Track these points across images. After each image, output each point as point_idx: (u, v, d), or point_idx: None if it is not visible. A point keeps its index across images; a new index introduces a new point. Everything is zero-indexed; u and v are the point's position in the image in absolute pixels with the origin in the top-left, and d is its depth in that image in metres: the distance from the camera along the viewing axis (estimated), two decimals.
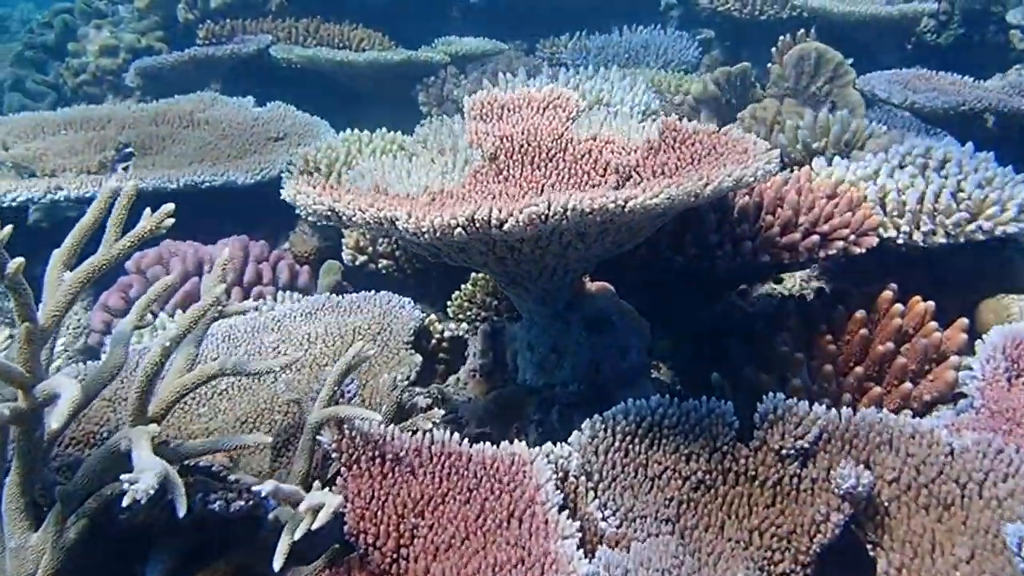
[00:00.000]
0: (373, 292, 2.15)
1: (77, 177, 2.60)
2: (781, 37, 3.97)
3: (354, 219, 1.33)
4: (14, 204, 2.46)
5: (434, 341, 2.20)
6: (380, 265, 2.31)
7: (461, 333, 2.23)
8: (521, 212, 1.27)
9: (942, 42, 4.00)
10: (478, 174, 1.74)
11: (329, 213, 1.36)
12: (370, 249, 2.30)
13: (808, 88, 3.04)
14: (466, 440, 1.39)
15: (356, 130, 3.68)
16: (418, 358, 1.98)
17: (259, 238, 2.85)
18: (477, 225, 1.27)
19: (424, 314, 2.18)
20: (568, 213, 1.28)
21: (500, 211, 1.27)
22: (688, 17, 5.04)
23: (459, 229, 1.28)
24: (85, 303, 2.63)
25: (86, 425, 1.71)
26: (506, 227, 1.28)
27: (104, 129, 3.14)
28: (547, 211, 1.27)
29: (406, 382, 1.86)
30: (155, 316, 2.28)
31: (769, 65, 4.27)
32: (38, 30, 4.35)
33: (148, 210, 1.29)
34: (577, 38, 4.66)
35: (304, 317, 2.07)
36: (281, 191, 2.86)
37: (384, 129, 2.98)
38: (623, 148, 1.74)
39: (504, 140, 1.76)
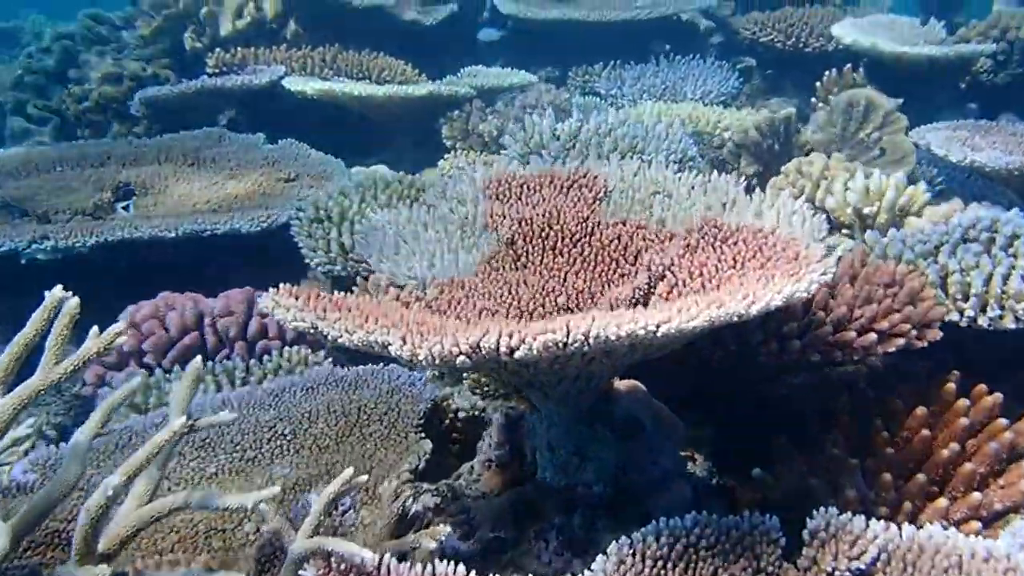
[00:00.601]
0: (382, 365, 1.95)
1: (67, 225, 2.41)
2: (827, 73, 3.74)
3: (340, 340, 1.12)
4: None
5: (448, 420, 1.99)
6: None
7: (478, 412, 2.02)
8: (535, 340, 1.06)
9: (999, 81, 3.76)
10: (494, 260, 1.53)
11: (312, 331, 1.16)
12: None
13: (856, 135, 2.81)
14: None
15: (374, 166, 3.51)
16: (428, 445, 1.77)
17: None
18: (484, 353, 1.06)
19: (437, 389, 1.97)
20: (591, 341, 1.06)
21: (511, 337, 1.06)
22: (728, 44, 4.82)
23: (462, 358, 1.07)
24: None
25: (51, 523, 1.52)
26: (517, 355, 1.07)
27: (104, 166, 2.96)
28: (565, 339, 1.06)
29: (411, 475, 1.66)
30: (151, 372, 2.10)
31: (812, 99, 4.04)
32: (37, 55, 4.18)
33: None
34: (612, 67, 4.44)
35: (305, 392, 1.87)
36: (292, 236, 2.70)
37: (402, 172, 2.79)
38: (656, 236, 1.52)
39: (523, 224, 1.55)
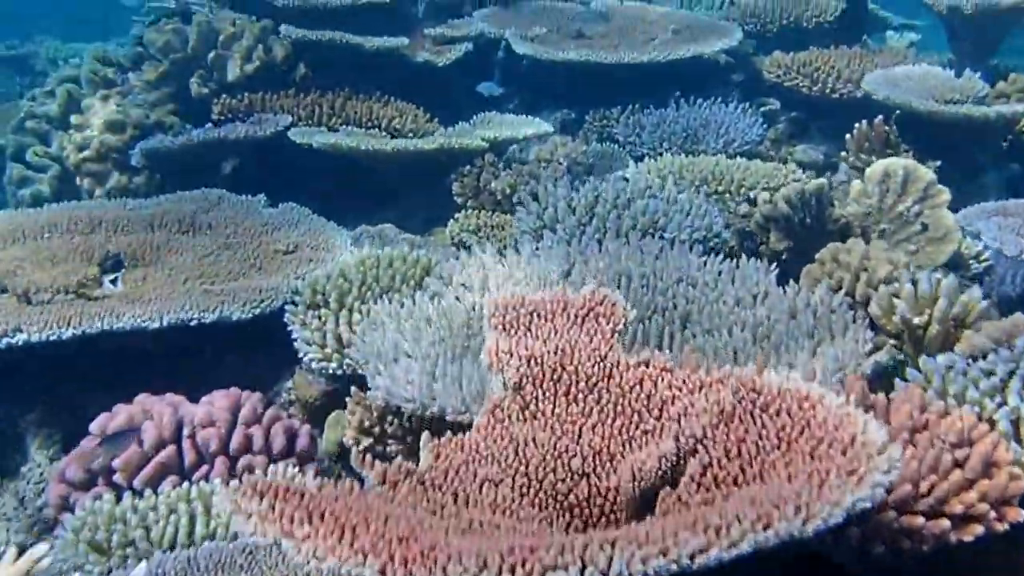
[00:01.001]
0: None
1: (44, 312, 2.25)
2: (857, 125, 3.54)
3: (309, 569, 0.95)
4: None
5: None
6: (389, 449, 1.92)
7: None
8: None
9: None
10: (498, 410, 1.35)
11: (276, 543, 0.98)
12: (376, 429, 1.92)
13: (894, 208, 2.61)
14: None
15: (381, 226, 3.34)
16: None
17: (258, 371, 2.50)
18: None
19: None
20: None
21: (512, 570, 0.88)
22: (751, 82, 4.62)
23: None
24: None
25: None
26: None
27: (93, 233, 2.81)
28: None
29: None
30: (120, 495, 1.93)
31: (843, 153, 3.84)
32: (40, 98, 4.05)
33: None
34: (630, 112, 4.26)
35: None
36: (286, 323, 2.54)
37: (407, 248, 2.62)
38: (684, 383, 1.34)
39: (532, 364, 1.38)
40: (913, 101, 3.12)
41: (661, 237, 2.52)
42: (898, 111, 3.43)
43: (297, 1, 4.42)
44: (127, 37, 6.95)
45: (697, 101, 4.24)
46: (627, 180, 2.83)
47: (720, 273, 2.33)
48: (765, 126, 4.10)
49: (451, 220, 3.26)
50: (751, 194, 3.17)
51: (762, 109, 4.36)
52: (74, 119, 3.78)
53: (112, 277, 2.64)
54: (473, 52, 4.53)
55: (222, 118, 3.76)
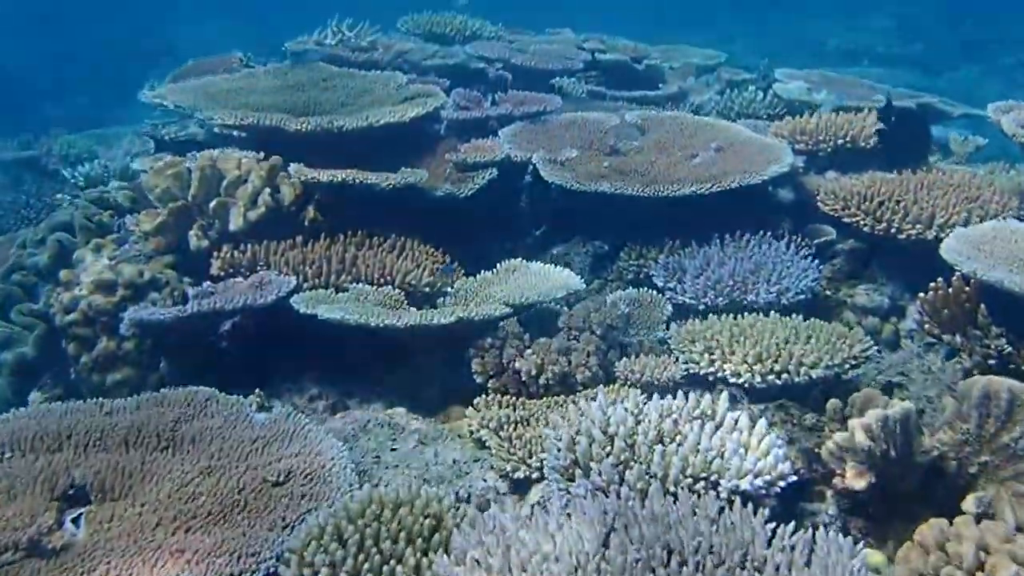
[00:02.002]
0: None
1: None
2: (933, 285, 3.10)
3: None
4: None
5: None
6: None
7: None
8: None
9: None
10: None
11: None
12: None
13: (998, 437, 2.18)
14: None
15: (392, 410, 2.96)
16: None
17: None
18: None
19: None
20: None
21: None
22: (802, 204, 4.21)
23: None
24: None
25: None
26: None
27: (60, 450, 2.46)
28: None
29: None
30: None
31: (917, 316, 3.41)
32: (30, 247, 3.75)
33: None
34: (669, 250, 3.87)
35: None
36: None
37: (413, 486, 2.22)
38: None
39: None
40: (1006, 279, 2.68)
41: (716, 484, 2.11)
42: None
43: (310, 127, 4.14)
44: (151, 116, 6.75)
45: (744, 238, 3.83)
46: (672, 396, 2.42)
47: (793, 548, 1.91)
48: (820, 266, 3.68)
49: (470, 408, 2.88)
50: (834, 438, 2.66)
51: (816, 241, 3.95)
52: (63, 275, 3.47)
53: (75, 514, 2.27)
54: (498, 177, 4.18)
55: (222, 273, 3.43)
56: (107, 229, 3.75)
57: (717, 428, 2.27)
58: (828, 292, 3.75)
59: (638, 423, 2.27)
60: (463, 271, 3.61)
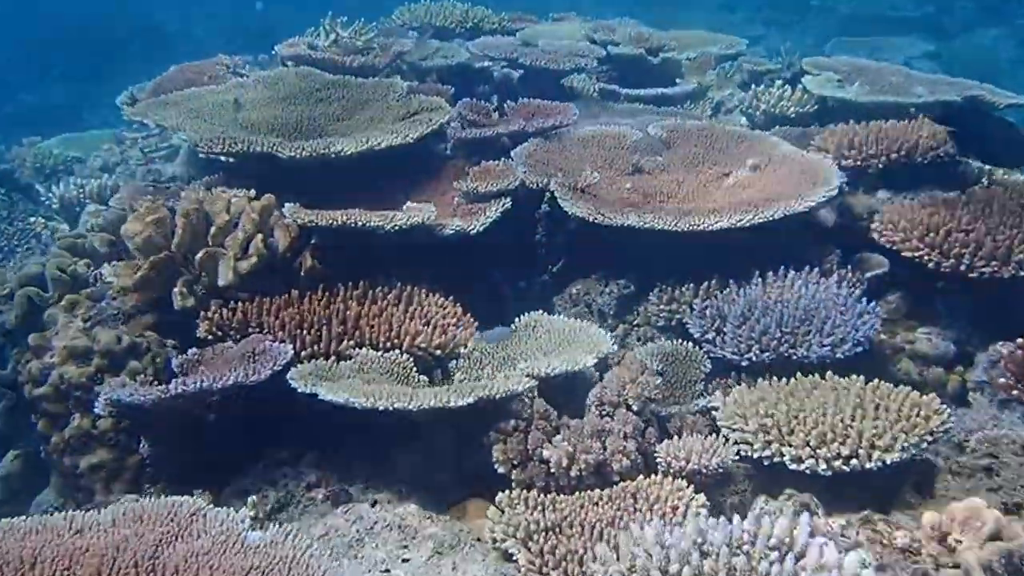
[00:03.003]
0: None
1: None
2: (1018, 346, 2.75)
3: None
4: None
5: None
6: None
7: None
8: None
9: None
10: None
11: None
12: None
13: None
14: None
15: (403, 509, 2.61)
16: None
17: None
18: None
19: None
20: None
21: None
22: (848, 230, 3.83)
23: None
24: None
25: None
26: None
27: None
28: None
29: None
30: None
31: (989, 366, 3.07)
32: None
33: None
34: (706, 291, 3.49)
35: None
36: None
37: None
38: None
39: None
40: None
41: None
42: None
43: (305, 153, 3.75)
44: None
45: (789, 276, 3.45)
46: (732, 523, 2.06)
47: None
48: (877, 309, 3.30)
49: (492, 508, 2.52)
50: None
51: (868, 275, 3.57)
52: (32, 340, 3.11)
53: None
54: (512, 207, 3.79)
55: (209, 335, 3.07)
56: (82, 281, 3.38)
57: (798, 559, 1.92)
58: (883, 335, 3.38)
59: (704, 556, 1.92)
60: (477, 327, 3.24)
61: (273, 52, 5.46)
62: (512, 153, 4.05)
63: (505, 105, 4.65)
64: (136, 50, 14.52)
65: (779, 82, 5.74)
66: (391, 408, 2.56)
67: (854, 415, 2.62)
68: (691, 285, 3.51)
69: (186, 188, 3.83)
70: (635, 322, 3.65)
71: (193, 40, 14.65)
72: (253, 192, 3.48)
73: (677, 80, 6.02)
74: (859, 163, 3.89)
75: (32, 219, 5.71)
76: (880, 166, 3.83)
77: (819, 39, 13.53)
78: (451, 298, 3.40)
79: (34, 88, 14.69)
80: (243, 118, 4.42)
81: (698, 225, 3.44)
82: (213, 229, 3.19)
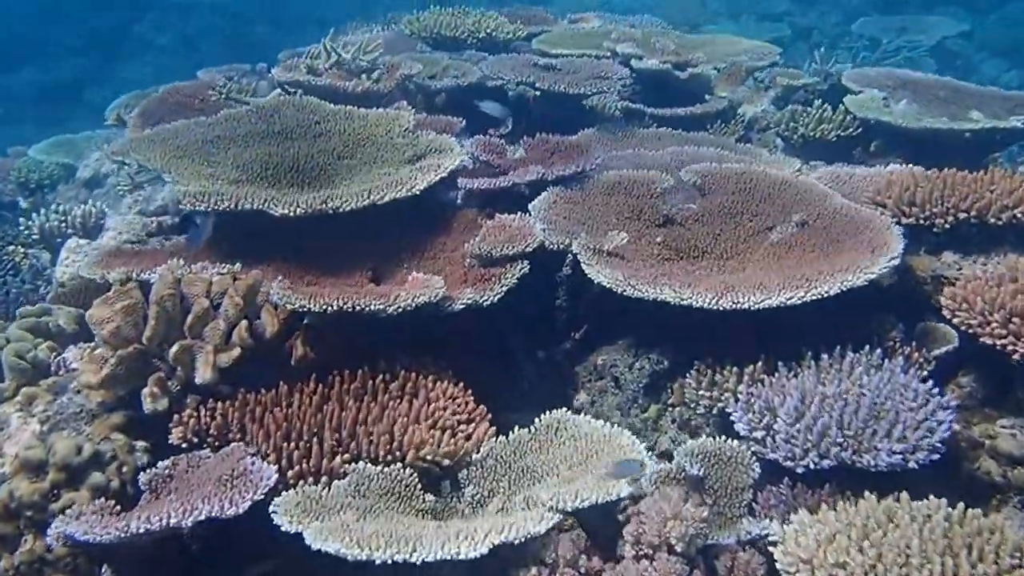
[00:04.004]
0: None
1: None
2: None
3: None
4: None
5: None
6: None
7: None
8: None
9: None
10: None
11: None
12: None
13: None
14: None
15: None
16: None
17: None
18: None
19: None
20: None
21: None
22: (904, 291, 3.40)
23: None
24: None
25: None
26: None
27: None
28: None
29: None
30: None
31: None
32: None
33: None
34: (752, 376, 3.07)
35: None
36: None
37: None
38: None
39: None
40: None
41: None
42: None
43: (299, 211, 3.35)
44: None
45: (847, 359, 3.03)
46: None
47: None
48: (953, 403, 2.87)
49: None
50: None
51: (934, 353, 3.15)
52: None
53: None
54: (530, 267, 3.38)
55: (182, 442, 2.68)
56: (44, 369, 2.99)
57: None
58: (956, 426, 2.95)
59: None
60: (492, 429, 2.84)
61: (269, 75, 5.03)
62: (530, 207, 3.62)
63: (522, 141, 4.22)
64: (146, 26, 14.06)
65: (818, 101, 5.27)
66: (389, 561, 2.16)
67: (953, 559, 2.20)
68: (734, 368, 3.09)
69: (166, 253, 3.44)
70: (669, 401, 3.25)
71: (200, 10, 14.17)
72: (238, 266, 3.08)
73: (707, 96, 5.56)
74: (921, 222, 3.44)
75: (11, 247, 5.33)
76: (947, 226, 3.38)
77: (846, 16, 12.97)
78: (461, 384, 3.00)
79: (37, 62, 14.23)
80: (235, 156, 4.02)
81: (742, 304, 3.01)
82: (190, 318, 2.79)
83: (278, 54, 6.31)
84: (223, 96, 4.79)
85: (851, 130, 5.02)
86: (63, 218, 5.17)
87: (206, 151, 4.07)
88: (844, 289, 3.05)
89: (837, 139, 5.02)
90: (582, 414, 3.26)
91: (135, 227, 4.57)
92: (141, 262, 3.30)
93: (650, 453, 3.10)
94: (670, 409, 3.23)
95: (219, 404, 2.72)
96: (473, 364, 3.35)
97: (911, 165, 4.07)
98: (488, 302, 3.21)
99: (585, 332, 3.48)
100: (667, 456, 3.13)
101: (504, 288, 3.26)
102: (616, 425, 2.92)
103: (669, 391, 3.25)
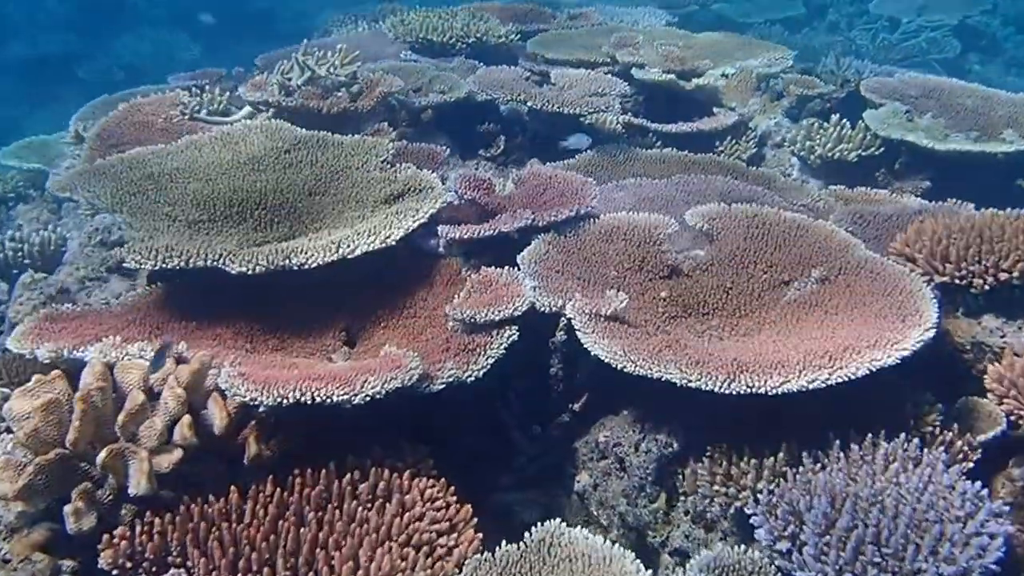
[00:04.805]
0: None
1: None
2: None
3: None
4: None
5: None
6: None
7: None
8: None
9: None
10: None
11: None
12: None
13: None
14: None
15: None
16: None
17: None
18: None
19: None
20: None
21: None
22: (948, 370, 3.03)
23: None
24: None
25: None
26: None
27: None
28: None
29: None
30: None
31: None
32: None
33: None
34: (772, 469, 2.70)
35: None
36: None
37: None
38: None
39: None
40: None
41: None
42: None
43: (259, 269, 2.97)
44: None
45: (880, 452, 2.66)
46: None
47: None
48: (1006, 509, 2.50)
49: None
50: None
51: (980, 439, 2.78)
52: None
53: None
54: (519, 335, 3.00)
55: (115, 571, 2.31)
56: None
57: None
58: (1011, 528, 2.57)
59: None
60: (477, 539, 2.47)
61: (238, 92, 4.60)
62: (519, 259, 3.23)
63: (512, 175, 3.82)
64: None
65: (835, 116, 4.85)
66: None
67: None
68: (752, 460, 2.71)
69: (114, 315, 3.05)
70: (681, 489, 2.89)
71: None
72: (183, 346, 2.69)
73: (715, 109, 5.14)
74: (957, 280, 3.05)
75: None
76: (986, 287, 2.99)
77: None
78: (443, 481, 2.63)
79: (24, 35, 13.64)
80: (195, 192, 3.63)
81: (758, 387, 2.63)
82: (122, 415, 2.41)
83: (255, 59, 5.88)
84: (189, 116, 4.37)
85: (872, 149, 4.62)
86: (19, 246, 4.76)
87: (164, 186, 3.68)
88: (873, 370, 2.67)
89: (858, 159, 4.61)
90: (584, 499, 2.93)
91: (94, 261, 4.17)
92: (80, 331, 2.91)
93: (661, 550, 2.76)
94: (682, 498, 2.86)
95: (157, 519, 2.34)
96: (460, 442, 3.00)
97: (937, 203, 3.68)
98: (472, 377, 2.84)
99: (585, 403, 3.10)
100: (680, 554, 2.78)
101: (490, 360, 2.89)
102: (620, 529, 2.56)
103: (680, 476, 2.88)
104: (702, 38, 6.01)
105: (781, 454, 2.71)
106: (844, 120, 4.76)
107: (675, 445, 2.89)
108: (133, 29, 13.97)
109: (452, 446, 2.92)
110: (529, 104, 4.38)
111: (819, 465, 2.67)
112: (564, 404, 3.13)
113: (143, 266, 3.01)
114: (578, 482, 3.04)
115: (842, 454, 2.67)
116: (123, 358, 2.59)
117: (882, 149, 4.61)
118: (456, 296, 3.13)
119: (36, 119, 11.25)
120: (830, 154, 4.60)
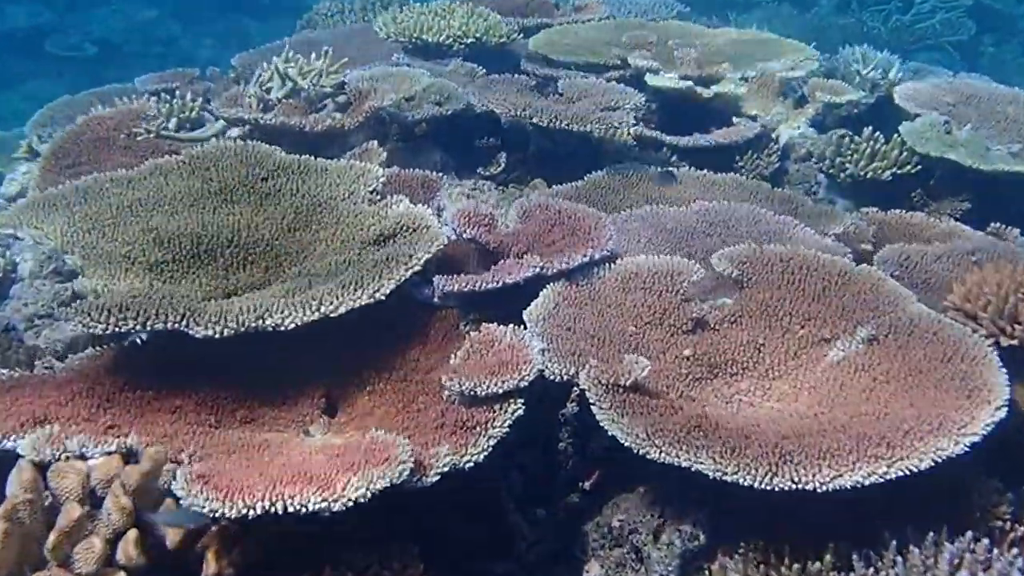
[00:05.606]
0: None
1: None
2: None
3: None
4: None
5: None
6: None
7: None
8: None
9: None
10: None
11: None
12: None
13: None
14: None
15: None
16: None
17: None
18: None
19: None
20: None
21: None
22: (1008, 449, 2.65)
23: None
24: None
25: None
26: None
27: None
28: None
29: None
30: None
31: None
32: None
33: None
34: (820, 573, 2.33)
35: None
36: None
37: None
38: None
39: None
40: None
41: None
42: None
43: (228, 332, 2.59)
44: None
45: (944, 555, 2.29)
46: None
47: None
48: None
49: None
50: None
51: None
52: None
53: None
54: (526, 406, 2.62)
55: None
56: None
57: None
58: None
59: None
60: None
61: (211, 109, 4.18)
62: (526, 316, 2.84)
63: (517, 208, 3.41)
64: None
65: (867, 130, 4.44)
66: None
67: None
68: (795, 565, 2.34)
69: (56, 386, 2.66)
70: None
71: None
72: (133, 438, 2.31)
73: (734, 119, 4.73)
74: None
75: None
76: None
77: None
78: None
79: None
80: (159, 228, 3.25)
81: (805, 483, 2.26)
82: (54, 535, 2.03)
83: (231, 59, 5.46)
84: (154, 134, 3.96)
85: (909, 167, 4.22)
86: None
87: (123, 220, 3.29)
88: (937, 461, 2.29)
89: (893, 178, 4.22)
90: None
91: (44, 296, 3.76)
92: (13, 408, 2.51)
93: None
94: None
95: None
96: (453, 529, 2.64)
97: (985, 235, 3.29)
98: (471, 463, 2.47)
99: (597, 481, 2.73)
100: None
101: (492, 442, 2.52)
102: None
103: (707, 573, 2.51)
104: (720, 36, 5.57)
105: (828, 556, 2.34)
106: (877, 134, 4.36)
107: (701, 537, 2.52)
108: (108, 2, 13.28)
109: (442, 536, 2.55)
110: (535, 121, 3.97)
111: (872, 570, 2.31)
112: (573, 481, 2.76)
113: (93, 330, 2.61)
114: (587, 572, 2.68)
115: (899, 558, 2.30)
116: (60, 455, 2.20)
117: (919, 167, 4.21)
118: (453, 355, 2.76)
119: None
120: (862, 173, 4.20)
